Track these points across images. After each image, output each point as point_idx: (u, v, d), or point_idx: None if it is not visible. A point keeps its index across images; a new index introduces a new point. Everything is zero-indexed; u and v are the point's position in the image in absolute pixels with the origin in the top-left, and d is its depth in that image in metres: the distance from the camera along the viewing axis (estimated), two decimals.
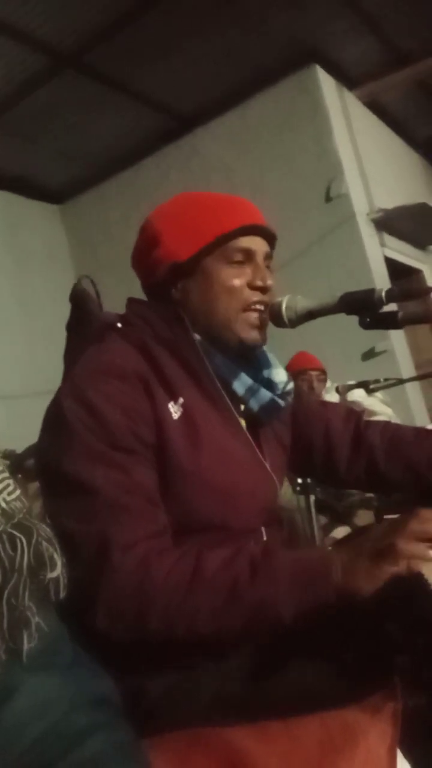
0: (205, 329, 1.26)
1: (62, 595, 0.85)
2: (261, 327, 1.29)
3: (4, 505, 0.82)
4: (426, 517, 0.97)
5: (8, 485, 0.85)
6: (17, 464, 2.87)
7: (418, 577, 0.91)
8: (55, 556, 0.85)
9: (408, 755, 0.96)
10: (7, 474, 0.87)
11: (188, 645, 1.02)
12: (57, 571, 0.84)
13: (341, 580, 0.94)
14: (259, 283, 1.27)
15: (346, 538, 1.81)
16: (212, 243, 1.25)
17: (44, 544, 0.83)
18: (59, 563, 0.85)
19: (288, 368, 1.57)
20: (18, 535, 0.80)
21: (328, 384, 4.14)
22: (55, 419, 1.14)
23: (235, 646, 1.05)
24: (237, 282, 1.26)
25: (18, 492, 0.86)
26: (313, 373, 4.04)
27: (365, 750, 0.92)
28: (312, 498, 2.81)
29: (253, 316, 1.27)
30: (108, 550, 1.01)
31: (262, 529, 1.27)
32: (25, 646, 0.79)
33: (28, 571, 0.80)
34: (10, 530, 0.80)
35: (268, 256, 1.31)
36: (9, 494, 0.84)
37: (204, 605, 0.99)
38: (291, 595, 0.96)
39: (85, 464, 1.08)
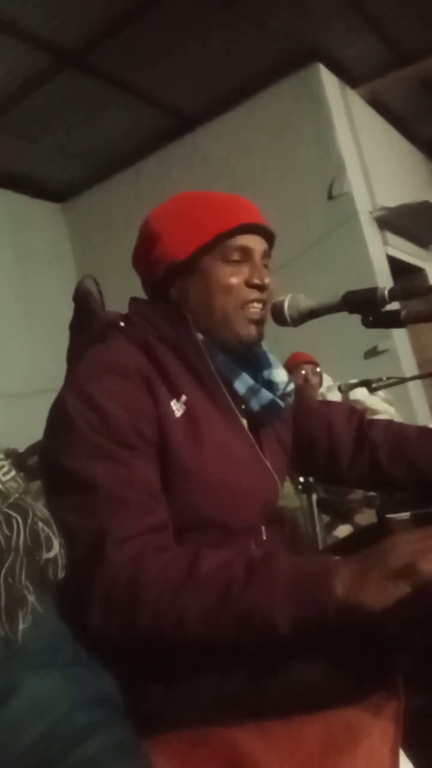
0: (205, 328, 1.26)
1: (60, 575, 0.85)
2: (258, 323, 1.29)
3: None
4: None
5: (3, 466, 0.85)
6: (19, 463, 2.87)
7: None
8: (52, 536, 0.85)
9: (410, 755, 0.96)
10: (1, 455, 0.87)
11: (178, 647, 1.00)
12: (54, 551, 0.85)
13: (344, 594, 0.89)
14: (256, 281, 1.27)
15: (348, 538, 1.81)
16: (210, 242, 1.25)
17: (40, 524, 0.84)
18: (56, 543, 0.85)
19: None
20: (14, 515, 0.81)
21: (330, 383, 4.15)
22: (57, 416, 1.15)
23: (230, 654, 1.02)
24: (234, 280, 1.26)
25: (13, 473, 0.86)
26: (307, 366, 4.06)
27: (367, 749, 0.92)
28: (314, 497, 2.81)
29: (251, 313, 1.27)
30: (104, 542, 1.01)
31: (262, 528, 1.26)
32: (21, 625, 0.79)
33: (25, 551, 0.80)
34: (5, 510, 0.80)
35: (266, 255, 1.31)
36: (4, 474, 0.84)
37: (194, 604, 0.96)
38: (286, 603, 0.91)
39: (86, 459, 1.08)
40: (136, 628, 0.98)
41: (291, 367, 3.92)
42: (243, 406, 1.28)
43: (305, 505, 2.86)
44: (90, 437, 1.09)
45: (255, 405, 1.27)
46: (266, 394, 1.27)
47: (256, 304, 1.27)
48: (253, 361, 1.33)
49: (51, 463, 1.13)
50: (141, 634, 0.99)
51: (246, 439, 1.27)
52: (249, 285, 1.27)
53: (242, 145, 5.62)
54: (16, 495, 0.83)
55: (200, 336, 1.25)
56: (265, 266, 1.30)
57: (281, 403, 1.30)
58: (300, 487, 2.87)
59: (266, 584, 0.94)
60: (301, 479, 2.84)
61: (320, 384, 4.14)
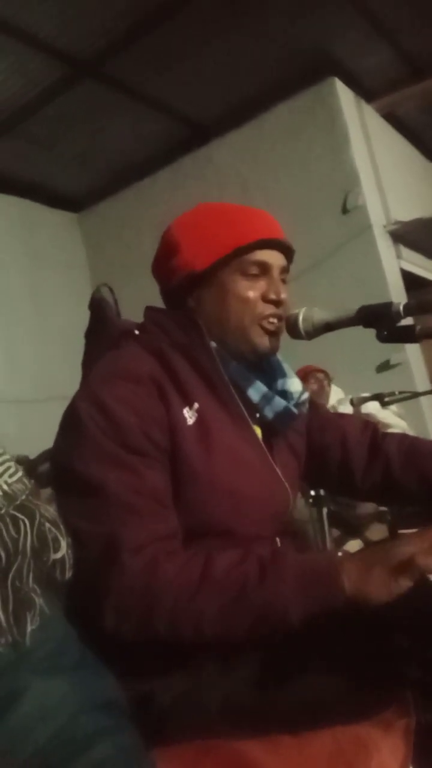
0: (219, 337, 1.27)
1: (68, 575, 0.85)
2: (273, 335, 1.29)
3: (5, 487, 0.82)
4: None
5: (9, 467, 0.85)
6: (30, 470, 2.87)
7: (428, 585, 0.91)
8: (59, 536, 0.84)
9: None
10: (8, 456, 0.87)
11: (194, 648, 1.02)
12: (62, 551, 0.84)
13: (351, 588, 0.94)
14: (272, 296, 1.27)
15: (359, 552, 1.80)
16: (228, 255, 1.26)
17: (47, 525, 0.83)
18: (63, 544, 0.85)
19: None
20: (21, 516, 0.80)
21: (342, 396, 4.15)
22: (70, 421, 1.15)
23: (242, 649, 1.05)
24: (251, 294, 1.26)
25: (20, 474, 0.86)
26: (319, 375, 4.08)
27: (377, 765, 0.91)
28: (325, 510, 2.80)
29: (267, 327, 1.27)
30: (117, 550, 1.02)
31: (277, 539, 1.26)
32: (28, 627, 0.79)
33: (32, 553, 0.80)
34: (12, 512, 0.80)
35: (285, 270, 1.32)
36: (10, 476, 0.84)
37: (211, 606, 0.99)
38: (299, 596, 0.96)
39: (97, 465, 1.09)
40: (153, 632, 1.00)
41: (303, 376, 3.93)
42: (257, 415, 1.28)
43: (316, 518, 2.85)
44: (101, 443, 1.10)
45: (269, 413, 1.27)
46: (280, 402, 1.27)
47: (271, 319, 1.28)
48: (268, 370, 1.33)
49: (62, 467, 1.13)
50: (157, 638, 1.01)
51: (258, 447, 1.27)
52: (265, 300, 1.27)
53: (256, 158, 5.65)
54: (23, 497, 0.83)
55: (213, 344, 1.25)
56: (283, 281, 1.31)
57: (295, 411, 1.30)
58: (311, 500, 2.86)
59: (279, 579, 0.98)
60: (312, 492, 2.83)
61: (329, 394, 4.15)
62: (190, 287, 1.29)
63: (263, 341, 1.28)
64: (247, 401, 1.26)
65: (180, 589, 1.00)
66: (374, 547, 1.00)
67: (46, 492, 1.23)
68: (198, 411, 1.19)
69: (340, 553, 1.04)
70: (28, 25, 4.08)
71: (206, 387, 1.23)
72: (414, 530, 1.21)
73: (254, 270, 1.27)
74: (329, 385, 4.18)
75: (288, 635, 0.98)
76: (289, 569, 0.99)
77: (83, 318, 1.36)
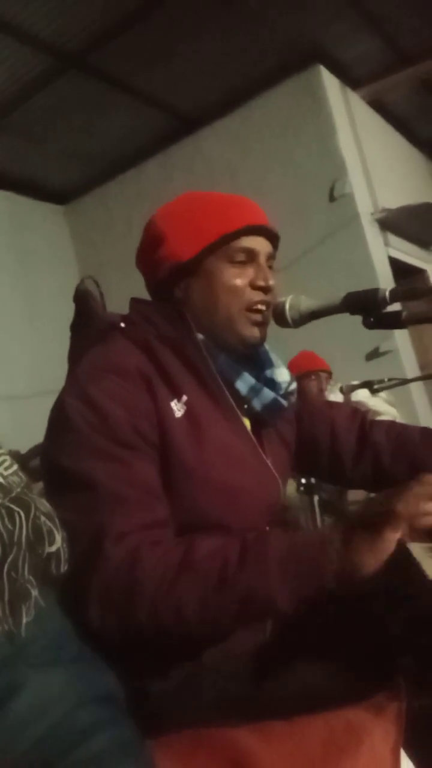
0: (207, 328, 1.26)
1: (63, 569, 0.85)
2: (262, 325, 1.29)
3: (1, 479, 0.82)
4: (428, 480, 0.95)
5: (5, 460, 0.85)
6: (22, 464, 2.86)
7: (401, 547, 0.88)
8: (54, 530, 0.85)
9: (412, 755, 0.96)
10: (3, 450, 0.87)
11: (179, 639, 1.00)
12: (57, 544, 0.85)
13: (341, 560, 0.91)
14: (261, 283, 1.27)
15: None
16: (215, 243, 1.25)
17: (42, 518, 0.83)
18: (59, 537, 0.85)
19: (293, 369, 1.57)
20: (16, 509, 0.80)
21: (332, 383, 4.15)
22: (57, 416, 1.15)
23: (230, 635, 1.03)
24: (239, 282, 1.26)
25: (15, 467, 0.86)
26: (322, 374, 4.06)
27: (369, 750, 0.92)
28: (316, 498, 2.81)
29: (255, 315, 1.27)
30: (101, 539, 1.01)
31: (267, 529, 1.27)
32: (24, 619, 0.79)
33: (27, 545, 0.80)
34: (8, 504, 0.80)
35: (271, 257, 1.31)
36: (6, 469, 0.84)
37: (191, 592, 0.97)
38: (284, 580, 0.93)
39: (86, 459, 1.08)
40: (136, 622, 0.98)
41: (305, 372, 3.92)
42: (245, 406, 1.29)
43: (307, 506, 2.86)
44: (90, 437, 1.10)
45: (257, 404, 1.27)
46: (268, 393, 1.27)
47: (260, 306, 1.28)
48: (255, 360, 1.33)
49: (52, 463, 1.13)
50: (140, 629, 0.99)
51: (247, 438, 1.27)
52: (254, 287, 1.27)
53: (244, 147, 5.62)
54: (18, 489, 0.83)
55: (200, 336, 1.25)
56: (270, 268, 1.31)
57: (284, 402, 1.30)
58: (302, 488, 2.87)
59: (260, 564, 0.95)
60: (303, 480, 2.84)
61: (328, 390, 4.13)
62: (176, 278, 1.28)
63: (252, 332, 1.28)
64: (235, 393, 1.26)
65: (160, 577, 0.98)
66: (359, 510, 0.98)
67: (38, 486, 1.23)
68: (186, 403, 1.19)
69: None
70: (13, 16, 4.04)
71: (194, 380, 1.23)
72: None
73: (241, 257, 1.26)
74: (329, 383, 4.14)
75: (280, 622, 0.98)
76: (272, 550, 0.96)
77: (72, 311, 1.34)
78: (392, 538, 0.89)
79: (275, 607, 0.93)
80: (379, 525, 0.90)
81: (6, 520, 0.79)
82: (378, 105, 6.04)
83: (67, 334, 1.34)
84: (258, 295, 1.27)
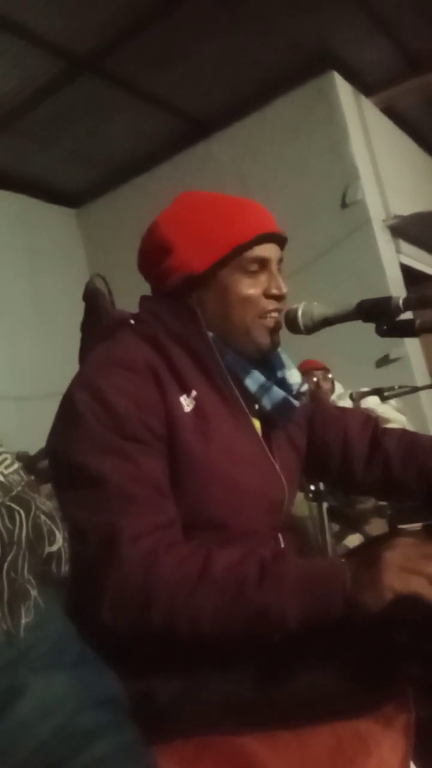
0: (221, 333, 1.26)
1: (64, 569, 0.85)
2: (276, 331, 1.29)
3: (1, 478, 0.82)
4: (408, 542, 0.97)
5: (5, 459, 0.85)
6: (30, 466, 2.87)
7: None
8: (55, 530, 0.84)
9: (420, 766, 0.95)
10: (4, 448, 0.86)
11: (189, 644, 1.01)
12: (57, 544, 0.84)
13: (351, 591, 0.94)
14: (275, 291, 1.26)
15: (359, 547, 1.80)
16: (228, 255, 1.24)
17: (42, 517, 0.83)
18: (59, 537, 0.85)
19: None
20: (16, 508, 0.80)
21: (342, 391, 4.14)
22: (66, 410, 1.15)
23: (237, 649, 1.04)
24: (253, 291, 1.25)
25: (16, 465, 0.86)
26: (318, 372, 4.07)
27: (377, 761, 0.91)
28: (324, 505, 2.80)
29: (269, 323, 1.27)
30: (115, 540, 1.01)
31: (279, 535, 1.26)
32: (23, 620, 0.79)
33: (27, 545, 0.80)
34: (8, 503, 0.80)
35: (280, 261, 1.31)
36: (6, 467, 0.84)
37: (209, 603, 0.98)
38: (298, 601, 0.95)
39: (95, 455, 1.08)
40: (149, 626, 0.99)
41: (302, 374, 3.92)
42: (256, 407, 1.28)
43: (315, 513, 2.85)
44: (98, 432, 1.09)
45: (267, 403, 1.26)
46: (278, 392, 1.26)
47: (274, 314, 1.27)
48: (267, 362, 1.32)
49: (60, 458, 1.13)
50: (153, 632, 1.00)
51: (255, 438, 1.26)
52: (267, 295, 1.26)
53: (255, 152, 5.63)
54: (19, 488, 0.83)
55: (210, 333, 1.24)
56: (280, 272, 1.30)
57: (295, 402, 1.29)
58: (310, 495, 2.86)
59: (278, 584, 0.97)
60: (312, 487, 2.83)
61: (332, 390, 4.13)
62: (187, 289, 1.27)
63: (267, 339, 1.27)
64: (245, 392, 1.26)
65: (178, 585, 0.99)
66: (373, 548, 0.99)
67: (47, 488, 1.23)
68: (196, 399, 1.18)
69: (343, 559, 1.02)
70: (27, 20, 4.06)
71: (203, 376, 1.22)
72: (414, 526, 1.22)
73: (254, 267, 1.25)
74: (329, 381, 4.16)
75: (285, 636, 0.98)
76: (290, 572, 0.98)
77: (82, 314, 1.34)
78: (398, 590, 0.92)
79: (286, 626, 0.96)
80: (395, 576, 0.93)
81: (6, 518, 0.79)
82: (391, 112, 6.04)
83: (76, 336, 1.34)
84: (272, 304, 1.27)
